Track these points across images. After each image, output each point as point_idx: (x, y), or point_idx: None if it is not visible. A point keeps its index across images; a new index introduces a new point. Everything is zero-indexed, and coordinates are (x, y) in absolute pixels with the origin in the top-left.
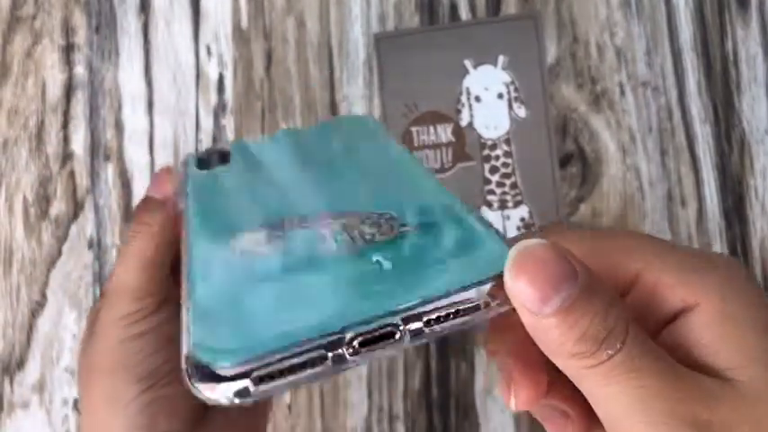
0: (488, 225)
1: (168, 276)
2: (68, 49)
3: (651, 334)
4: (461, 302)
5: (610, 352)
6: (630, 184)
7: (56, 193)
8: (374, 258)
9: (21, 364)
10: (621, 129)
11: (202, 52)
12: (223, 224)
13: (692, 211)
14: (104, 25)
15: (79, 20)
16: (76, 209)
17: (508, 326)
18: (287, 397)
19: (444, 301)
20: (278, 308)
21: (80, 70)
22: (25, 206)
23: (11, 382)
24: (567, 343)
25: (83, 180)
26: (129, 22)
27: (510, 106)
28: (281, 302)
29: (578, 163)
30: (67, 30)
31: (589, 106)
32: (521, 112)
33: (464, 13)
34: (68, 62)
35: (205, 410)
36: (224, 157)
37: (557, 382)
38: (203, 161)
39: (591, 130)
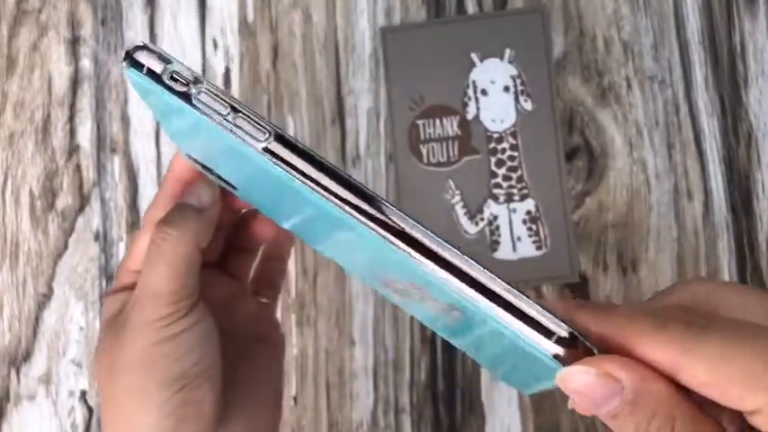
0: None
1: (199, 279)
2: (74, 42)
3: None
4: None
5: None
6: (637, 177)
7: (62, 186)
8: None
9: (27, 356)
10: (628, 122)
11: (208, 46)
12: None
13: (699, 205)
14: (110, 18)
15: (85, 13)
16: (83, 202)
17: None
18: (293, 389)
19: None
20: None
21: (86, 63)
22: (32, 199)
23: (17, 374)
24: None
25: (89, 173)
26: (134, 15)
27: (516, 99)
28: None
29: (585, 156)
30: (73, 23)
31: (596, 100)
32: (527, 105)
33: (471, 7)
34: (74, 55)
35: (226, 411)
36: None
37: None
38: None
39: (597, 123)
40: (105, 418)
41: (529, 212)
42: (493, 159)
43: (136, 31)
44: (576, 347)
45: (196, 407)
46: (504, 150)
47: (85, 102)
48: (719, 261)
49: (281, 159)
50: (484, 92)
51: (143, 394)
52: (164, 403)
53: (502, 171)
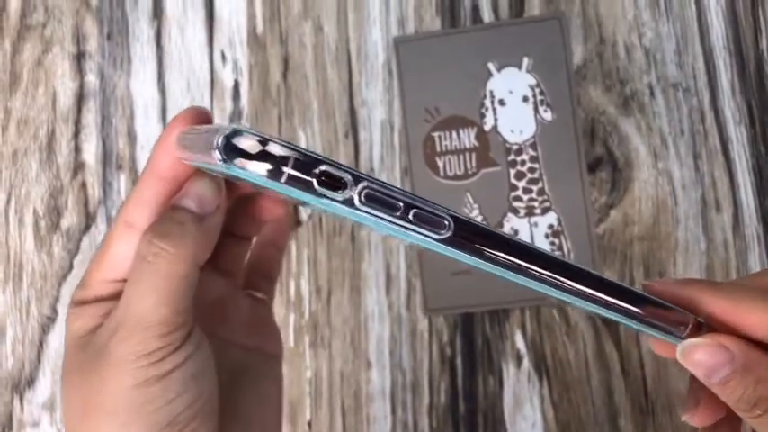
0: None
1: (193, 303)
2: (79, 57)
3: None
4: None
5: (758, 412)
6: (663, 188)
7: (67, 204)
8: None
9: (31, 381)
10: (652, 132)
11: (217, 58)
12: None
13: (728, 217)
14: (116, 32)
15: (90, 27)
16: (88, 221)
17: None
18: (306, 413)
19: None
20: None
21: (91, 78)
22: (36, 218)
23: (21, 400)
24: (730, 401)
25: (95, 191)
26: (141, 29)
27: (536, 109)
28: None
29: (608, 168)
30: (78, 37)
31: (618, 109)
32: (547, 115)
33: (486, 15)
34: (79, 70)
35: None
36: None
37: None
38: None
39: (620, 133)
40: None
41: (551, 226)
42: (512, 172)
43: (142, 45)
44: (692, 325)
45: None
46: (523, 162)
47: (91, 118)
48: None
49: (467, 247)
50: (502, 102)
51: None
52: None
53: (522, 184)
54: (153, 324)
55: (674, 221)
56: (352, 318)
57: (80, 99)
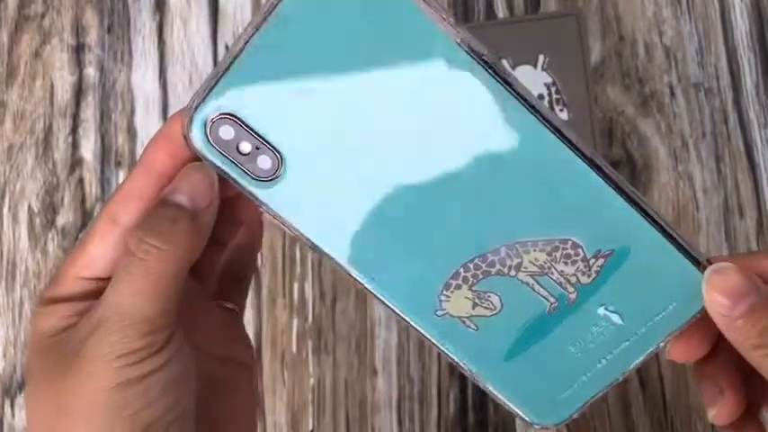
0: (670, 230)
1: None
2: (79, 50)
3: None
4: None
5: None
6: (683, 192)
7: (63, 201)
8: (599, 312)
9: (23, 385)
10: (672, 133)
11: (221, 52)
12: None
13: (752, 222)
14: (117, 25)
15: (91, 19)
16: (85, 218)
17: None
18: (309, 423)
19: (663, 344)
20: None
21: (91, 72)
22: (30, 215)
23: (12, 405)
24: (751, 337)
25: (92, 188)
26: (143, 22)
27: (552, 108)
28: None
29: (626, 170)
30: (78, 29)
31: (637, 109)
32: (563, 114)
33: (501, 11)
34: (79, 63)
35: None
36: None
37: (727, 370)
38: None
39: (639, 134)
40: None
41: None
42: None
43: (143, 38)
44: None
45: None
46: None
47: (89, 112)
48: None
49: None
50: None
51: None
52: None
53: None
54: (136, 322)
55: (695, 227)
56: (358, 323)
57: (79, 93)
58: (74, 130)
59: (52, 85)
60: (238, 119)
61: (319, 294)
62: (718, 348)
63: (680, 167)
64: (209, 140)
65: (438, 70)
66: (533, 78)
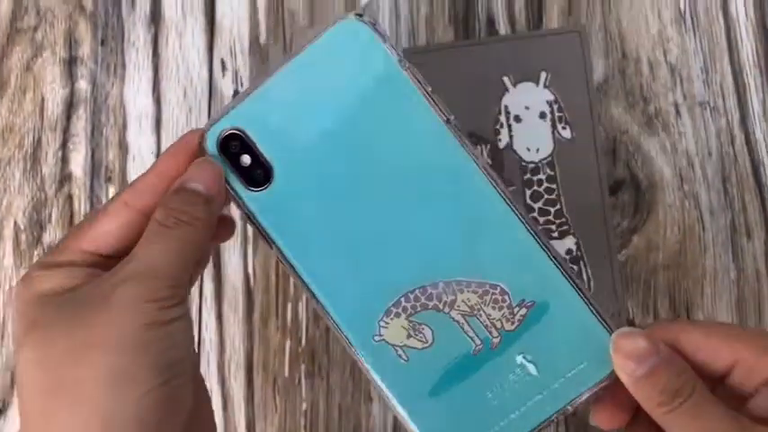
0: (585, 291)
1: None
2: (71, 63)
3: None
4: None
5: (680, 400)
6: (689, 213)
7: (50, 218)
8: (518, 360)
9: (3, 409)
10: (677, 153)
11: (216, 67)
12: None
13: (759, 244)
14: (111, 37)
15: (84, 32)
16: None
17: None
18: None
19: (575, 404)
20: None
21: (83, 85)
22: (16, 232)
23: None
24: (653, 394)
25: (81, 204)
26: (137, 35)
27: (553, 126)
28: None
29: (630, 190)
30: (71, 42)
31: (641, 128)
32: (565, 133)
33: (502, 27)
34: (70, 76)
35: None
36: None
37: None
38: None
39: (643, 153)
40: (49, 409)
41: (570, 251)
42: (528, 192)
43: (137, 51)
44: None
45: (177, 406)
46: (540, 182)
47: (80, 126)
48: None
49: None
50: (517, 118)
51: (124, 377)
52: (148, 392)
53: (538, 205)
54: (166, 276)
55: (701, 248)
56: None
57: (70, 106)
58: (63, 145)
59: (43, 99)
60: (246, 136)
61: (313, 316)
62: (642, 414)
63: (685, 187)
64: (219, 149)
65: (393, 118)
66: (535, 96)
